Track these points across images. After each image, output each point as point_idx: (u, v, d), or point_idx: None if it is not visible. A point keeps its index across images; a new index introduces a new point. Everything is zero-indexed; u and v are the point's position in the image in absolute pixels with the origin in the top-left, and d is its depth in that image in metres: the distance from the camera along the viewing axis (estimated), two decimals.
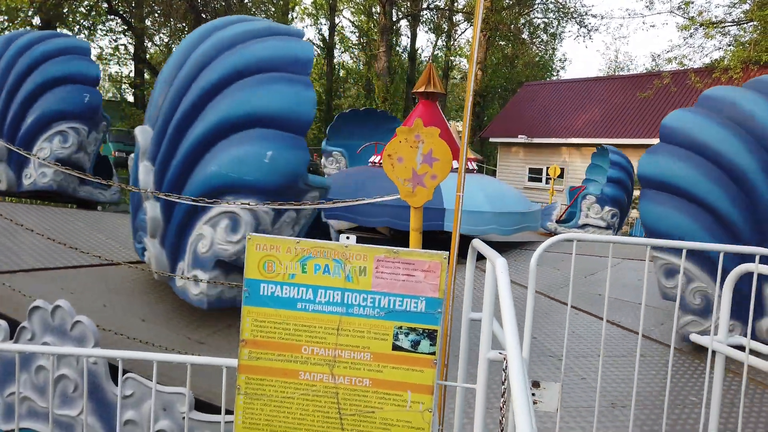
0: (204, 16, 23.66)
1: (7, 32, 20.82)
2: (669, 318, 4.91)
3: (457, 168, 9.16)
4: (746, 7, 17.85)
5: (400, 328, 2.22)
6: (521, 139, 22.06)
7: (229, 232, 3.89)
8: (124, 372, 2.89)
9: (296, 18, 35.29)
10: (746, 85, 4.44)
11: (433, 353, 2.21)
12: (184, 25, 24.59)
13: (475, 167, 9.39)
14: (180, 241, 4.16)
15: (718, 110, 4.34)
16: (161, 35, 26.71)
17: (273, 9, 27.83)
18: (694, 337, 2.71)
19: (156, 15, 24.77)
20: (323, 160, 11.70)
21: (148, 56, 27.18)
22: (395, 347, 2.23)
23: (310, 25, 43.13)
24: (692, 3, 18.34)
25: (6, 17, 20.70)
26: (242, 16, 4.87)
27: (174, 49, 5.10)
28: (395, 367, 2.23)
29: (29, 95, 7.03)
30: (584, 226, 11.72)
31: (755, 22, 17.00)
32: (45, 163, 6.53)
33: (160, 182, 4.27)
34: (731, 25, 18.25)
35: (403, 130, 2.92)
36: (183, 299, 4.17)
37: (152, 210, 4.25)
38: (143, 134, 4.52)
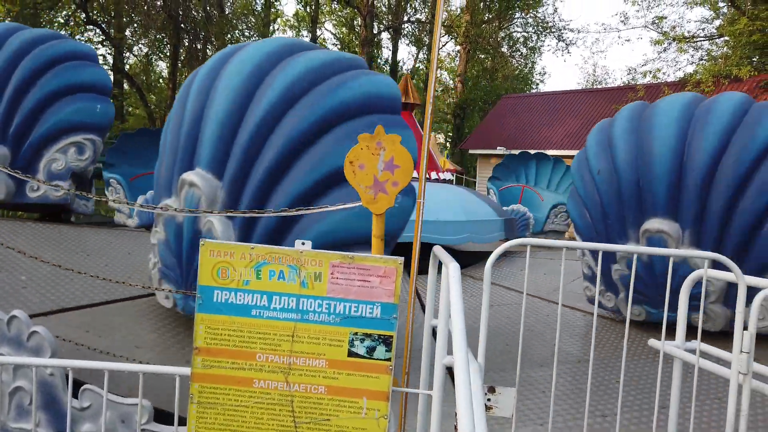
0: (183, 26, 23.62)
1: None
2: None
3: (435, 178, 9.18)
4: (718, 22, 18.30)
5: (356, 334, 2.22)
6: (500, 150, 22.26)
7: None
8: (82, 383, 2.84)
9: (278, 30, 35.38)
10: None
11: (389, 359, 2.20)
12: (163, 35, 24.50)
13: (451, 177, 9.46)
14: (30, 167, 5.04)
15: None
16: (140, 46, 26.58)
17: (254, 20, 27.86)
18: (652, 342, 2.74)
19: (135, 25, 24.65)
20: (106, 190, 10.04)
21: (127, 67, 26.99)
22: (351, 353, 2.22)
23: (292, 37, 43.29)
24: (666, 18, 18.76)
25: None
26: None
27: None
28: (351, 374, 2.21)
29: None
30: (548, 232, 12.16)
31: (726, 38, 17.43)
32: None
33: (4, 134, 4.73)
34: (703, 40, 18.71)
35: (365, 137, 2.92)
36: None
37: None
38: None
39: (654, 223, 4.68)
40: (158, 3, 22.66)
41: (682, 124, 4.70)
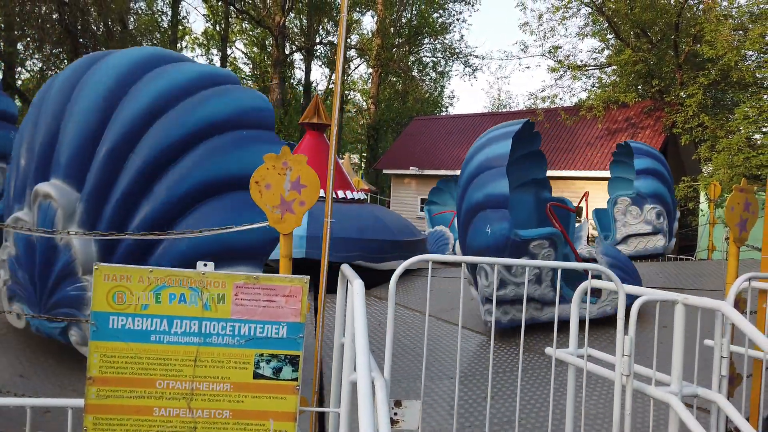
0: (82, 41, 22.44)
1: None
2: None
3: (351, 197, 9.18)
4: (607, 53, 19.87)
5: (261, 355, 2.19)
6: (413, 170, 22.80)
7: None
8: None
9: (186, 47, 34.44)
10: None
11: (296, 379, 2.19)
12: (60, 50, 23.12)
13: (365, 197, 9.57)
14: None
15: None
16: (34, 61, 24.90)
17: (160, 36, 26.95)
18: (548, 350, 2.91)
19: (28, 39, 23.09)
20: None
21: (19, 83, 25.18)
22: (256, 375, 2.19)
23: (201, 55, 42.29)
24: (561, 48, 20.10)
25: None
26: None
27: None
28: (256, 396, 2.18)
29: None
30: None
31: (614, 67, 18.94)
32: None
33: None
34: (594, 69, 20.21)
35: (271, 157, 2.93)
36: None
37: None
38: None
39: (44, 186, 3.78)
40: (54, 16, 21.40)
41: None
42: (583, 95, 20.34)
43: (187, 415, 2.14)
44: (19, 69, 24.89)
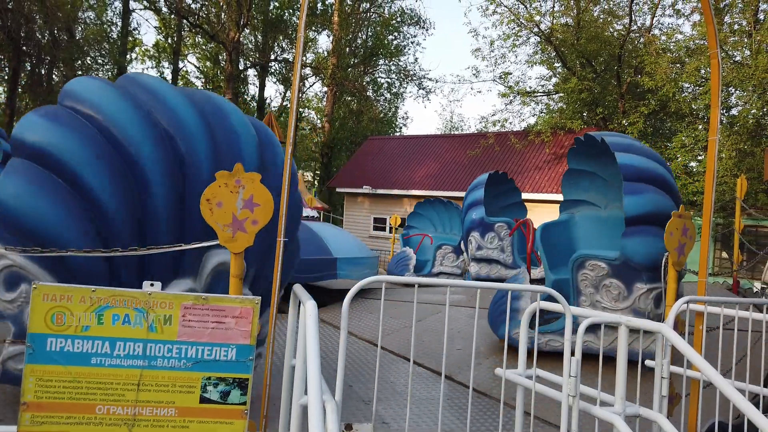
0: (25, 49, 21.61)
1: None
2: (485, 358, 5.28)
3: (315, 216, 9.10)
4: (555, 80, 20.63)
5: (209, 379, 2.13)
6: (366, 189, 22.86)
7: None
8: None
9: (136, 59, 33.66)
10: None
11: (244, 403, 2.14)
12: (2, 57, 22.18)
13: (317, 215, 9.52)
14: None
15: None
16: None
17: (108, 48, 26.25)
18: (498, 371, 2.94)
19: None
20: None
21: None
22: (203, 400, 2.12)
23: (152, 68, 41.43)
24: (511, 74, 20.81)
25: None
26: None
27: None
28: (203, 421, 2.11)
29: None
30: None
31: (561, 94, 19.67)
32: None
33: None
34: (542, 95, 20.93)
35: (223, 175, 2.88)
36: None
37: None
38: None
39: None
40: None
41: None
42: (532, 120, 21.00)
43: None
44: None
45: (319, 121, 38.30)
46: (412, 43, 42.04)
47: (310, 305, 2.06)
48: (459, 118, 56.81)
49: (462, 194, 20.62)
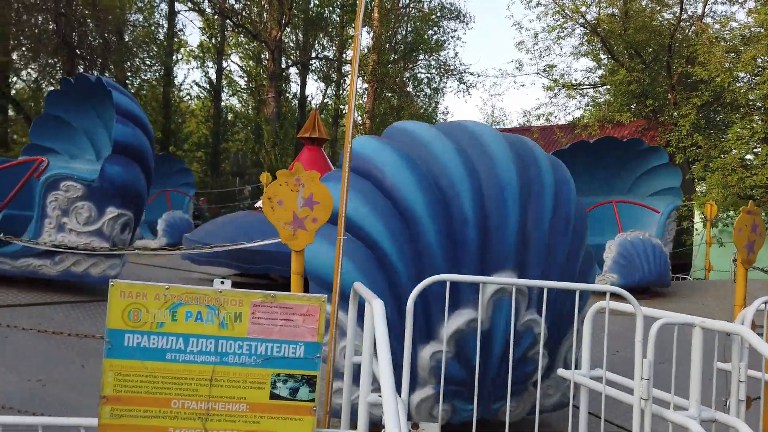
0: (79, 52, 22.40)
1: None
2: None
3: None
4: (601, 72, 20.10)
5: (278, 375, 2.16)
6: None
7: None
8: None
9: (182, 60, 34.45)
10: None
11: (312, 400, 2.16)
12: (55, 60, 23.07)
13: None
14: None
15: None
16: (29, 70, 24.84)
17: (156, 49, 26.96)
18: (561, 372, 2.89)
19: (24, 49, 23.04)
20: None
21: (13, 92, 25.08)
22: (273, 396, 2.15)
23: (197, 68, 42.47)
24: (556, 66, 20.32)
25: None
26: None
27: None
28: (273, 417, 2.14)
29: None
30: None
31: (608, 86, 19.15)
32: None
33: None
34: (588, 88, 20.43)
35: (284, 174, 2.92)
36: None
37: None
38: None
39: None
40: (50, 26, 21.39)
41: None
42: (578, 113, 20.50)
43: None
44: (13, 78, 24.82)
45: (360, 117, 38.45)
46: (452, 37, 41.57)
47: (377, 304, 2.06)
48: (501, 113, 56.17)
49: None
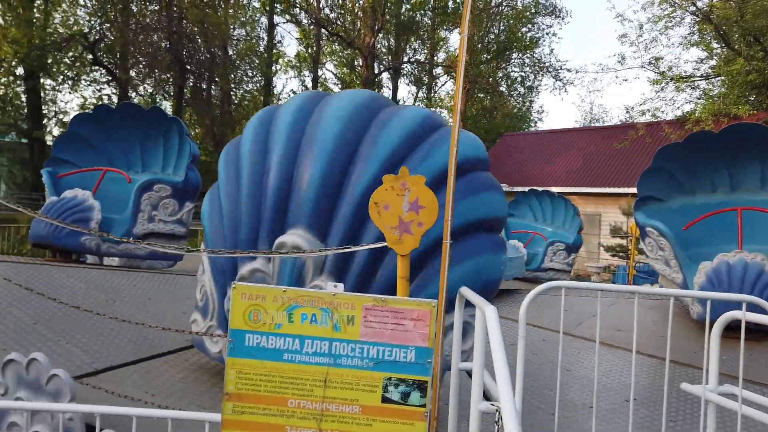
0: (188, 67, 24.00)
1: None
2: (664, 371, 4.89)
3: None
4: (713, 62, 18.65)
5: (390, 379, 2.17)
6: (502, 187, 22.39)
7: None
8: (101, 429, 2.76)
9: (280, 70, 35.96)
10: None
11: (424, 405, 2.15)
12: (168, 76, 24.89)
13: None
14: None
15: None
16: (145, 86, 26.98)
17: (257, 61, 28.34)
18: (685, 386, 2.69)
19: (141, 66, 25.08)
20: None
21: None
22: (385, 399, 2.16)
23: (294, 77, 44.10)
24: (662, 59, 19.14)
25: None
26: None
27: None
28: (385, 421, 2.16)
29: None
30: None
31: (723, 77, 17.73)
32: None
33: None
34: (700, 80, 19.01)
35: (390, 178, 2.94)
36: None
37: None
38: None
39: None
40: (164, 45, 23.12)
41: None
42: (688, 107, 19.12)
43: None
44: (132, 94, 27.03)
45: (451, 119, 38.30)
46: (547, 34, 40.37)
47: (490, 311, 2.02)
48: (600, 110, 53.68)
49: (608, 190, 19.42)
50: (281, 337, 2.19)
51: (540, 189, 13.87)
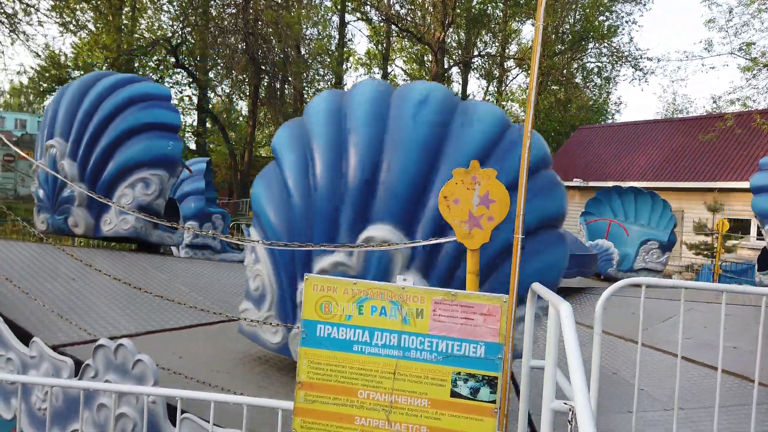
0: (263, 67, 24.74)
1: None
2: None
3: None
4: None
5: (459, 374, 2.15)
6: (576, 182, 21.65)
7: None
8: (183, 412, 2.91)
9: (350, 68, 36.40)
10: None
11: (494, 401, 2.12)
12: (244, 76, 25.79)
13: None
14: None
15: None
16: (223, 86, 28.12)
17: (329, 60, 28.83)
18: None
19: (219, 68, 26.14)
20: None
21: (210, 106, 28.57)
22: (453, 394, 2.15)
23: (364, 74, 44.47)
24: (755, 44, 17.85)
25: (82, 72, 22.30)
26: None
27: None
28: (454, 415, 2.15)
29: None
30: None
31: None
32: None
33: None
34: None
35: (460, 172, 2.91)
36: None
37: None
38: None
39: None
40: (240, 46, 23.97)
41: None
42: None
43: (386, 426, 2.17)
44: (211, 94, 28.24)
45: (523, 113, 37.35)
46: (626, 21, 38.55)
47: (565, 308, 1.96)
48: (684, 100, 50.82)
49: (693, 184, 18.37)
50: (351, 329, 2.22)
51: (624, 185, 13.14)
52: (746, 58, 17.64)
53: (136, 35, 23.95)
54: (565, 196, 4.09)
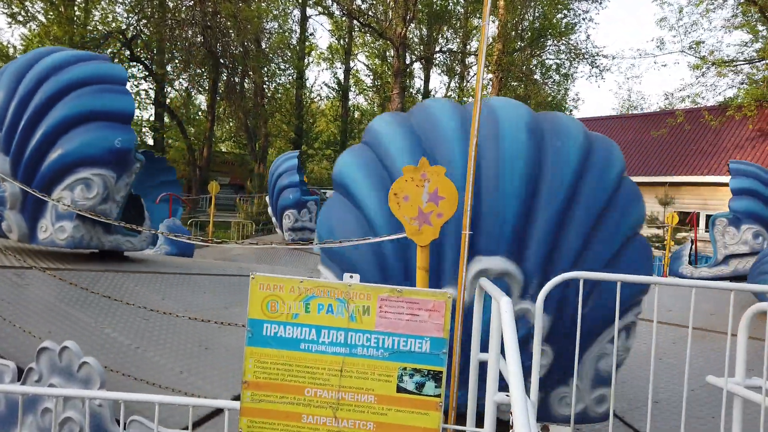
0: (222, 61, 24.33)
1: None
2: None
3: None
4: (758, 45, 17.94)
5: (405, 369, 2.18)
6: None
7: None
8: (129, 414, 2.86)
9: (312, 62, 36.14)
10: None
11: (438, 395, 2.16)
12: (203, 70, 25.31)
13: None
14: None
15: None
16: (181, 80, 27.51)
17: (290, 54, 28.55)
18: (710, 379, 2.62)
19: (176, 61, 25.56)
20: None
21: (167, 101, 27.93)
22: (399, 389, 2.18)
23: (326, 69, 44.17)
24: (703, 43, 18.50)
25: None
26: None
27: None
28: (400, 410, 2.18)
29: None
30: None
31: (767, 61, 17.05)
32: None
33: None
34: (743, 64, 18.31)
35: (409, 169, 2.93)
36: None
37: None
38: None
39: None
40: (198, 39, 23.50)
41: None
42: (730, 93, 18.51)
43: (333, 424, 2.18)
44: (168, 89, 27.60)
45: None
46: (583, 19, 39.39)
47: (505, 301, 2.01)
48: (638, 96, 52.31)
49: (646, 179, 18.95)
50: (298, 327, 2.22)
51: None
52: (696, 57, 18.27)
53: (89, 27, 23.20)
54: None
